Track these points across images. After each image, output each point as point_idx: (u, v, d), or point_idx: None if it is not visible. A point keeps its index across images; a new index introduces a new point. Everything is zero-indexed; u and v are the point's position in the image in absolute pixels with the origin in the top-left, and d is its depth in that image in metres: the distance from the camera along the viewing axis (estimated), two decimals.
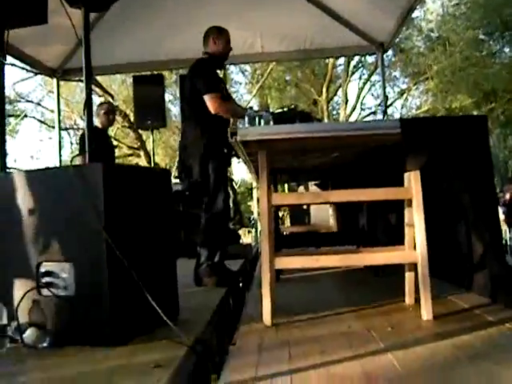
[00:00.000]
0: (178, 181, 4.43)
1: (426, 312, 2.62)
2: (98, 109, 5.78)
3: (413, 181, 2.66)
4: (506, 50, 20.50)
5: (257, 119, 3.12)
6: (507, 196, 11.61)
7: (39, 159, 22.38)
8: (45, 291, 2.41)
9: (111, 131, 21.08)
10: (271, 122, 3.01)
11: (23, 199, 2.49)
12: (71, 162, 5.88)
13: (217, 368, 2.19)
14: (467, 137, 2.72)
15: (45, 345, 2.33)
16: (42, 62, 6.33)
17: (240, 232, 11.33)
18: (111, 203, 2.37)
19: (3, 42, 3.11)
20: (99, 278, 2.33)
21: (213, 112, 3.77)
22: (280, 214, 9.89)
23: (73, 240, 2.39)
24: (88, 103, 2.85)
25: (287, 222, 10.05)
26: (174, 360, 2.01)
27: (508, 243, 10.39)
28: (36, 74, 14.88)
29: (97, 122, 5.63)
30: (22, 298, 2.42)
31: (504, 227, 10.74)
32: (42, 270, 2.42)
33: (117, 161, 19.62)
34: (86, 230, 2.36)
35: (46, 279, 2.41)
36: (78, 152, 5.98)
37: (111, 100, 18.38)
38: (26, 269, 2.45)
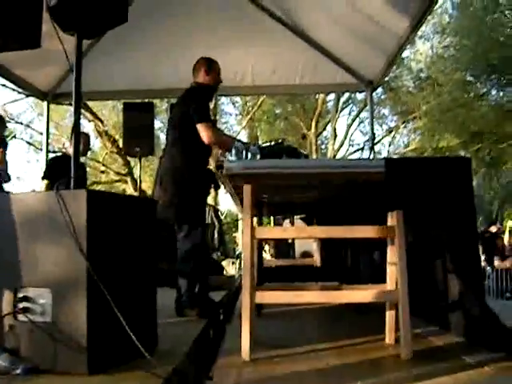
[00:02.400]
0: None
1: (406, 351, 2.61)
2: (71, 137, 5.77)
3: (396, 220, 2.68)
4: (493, 92, 20.86)
5: (244, 152, 3.13)
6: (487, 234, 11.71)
7: (25, 181, 22.29)
8: (21, 317, 2.38)
9: (100, 156, 21.12)
10: (258, 156, 3.03)
11: (4, 222, 2.47)
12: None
13: None
14: (450, 178, 2.75)
15: (18, 372, 2.28)
16: (34, 85, 6.34)
17: (224, 263, 11.29)
18: (94, 230, 2.35)
19: None
20: (77, 305, 2.30)
21: (206, 142, 3.77)
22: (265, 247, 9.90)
23: (52, 266, 2.36)
24: (76, 128, 2.86)
25: (271, 255, 10.04)
26: None
27: (488, 283, 10.41)
28: (27, 95, 14.91)
29: (70, 149, 5.63)
30: None
31: (486, 267, 10.78)
32: (20, 294, 2.39)
33: (103, 186, 19.66)
34: (66, 256, 2.33)
35: (22, 304, 2.38)
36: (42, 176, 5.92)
37: (101, 125, 18.45)
38: (3, 293, 2.41)
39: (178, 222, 3.92)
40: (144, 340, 2.36)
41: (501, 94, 20.67)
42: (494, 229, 12.60)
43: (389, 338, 3.01)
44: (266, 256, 11.25)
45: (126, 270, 2.60)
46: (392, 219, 2.72)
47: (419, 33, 16.39)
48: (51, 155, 7.38)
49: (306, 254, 7.29)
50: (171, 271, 4.27)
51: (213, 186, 4.22)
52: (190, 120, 3.82)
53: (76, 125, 2.82)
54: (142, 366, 2.30)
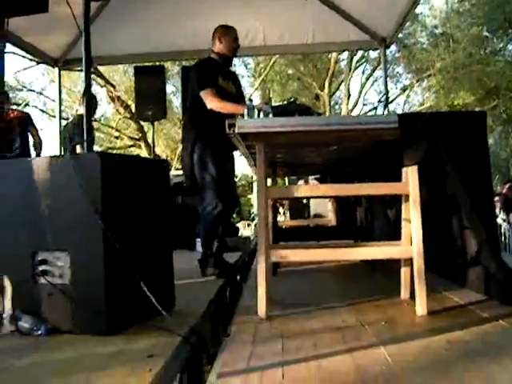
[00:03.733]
0: (177, 172, 4.46)
1: (421, 307, 2.63)
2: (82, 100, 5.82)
3: (410, 176, 2.66)
4: (510, 47, 20.48)
5: (256, 111, 3.11)
6: (504, 190, 11.61)
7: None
8: (40, 279, 2.42)
9: (113, 121, 21.13)
10: (270, 115, 3.01)
11: (20, 187, 2.50)
12: (71, 151, 5.85)
13: (210, 359, 2.20)
14: (465, 132, 2.72)
15: (40, 332, 2.34)
16: (44, 52, 6.32)
17: (239, 225, 11.35)
18: (108, 193, 2.37)
19: (3, 29, 3.11)
20: (95, 266, 2.34)
21: (208, 107, 3.84)
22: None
23: (69, 229, 2.39)
24: (87, 93, 2.86)
25: (287, 216, 10.05)
26: (168, 350, 2.02)
27: (505, 240, 10.37)
28: (38, 63, 14.88)
29: (81, 110, 5.67)
30: (18, 286, 2.43)
31: (503, 224, 10.74)
32: (38, 258, 2.43)
33: (118, 151, 19.71)
34: (82, 219, 2.36)
35: (41, 267, 2.42)
36: (69, 142, 5.94)
37: (112, 90, 18.40)
38: (22, 257, 2.45)
39: (198, 186, 3.99)
40: (161, 300, 2.40)
41: None
42: (507, 185, 12.48)
43: (404, 294, 3.03)
44: (281, 218, 11.30)
45: (142, 232, 2.63)
46: (406, 175, 2.70)
47: None
48: (64, 122, 7.38)
49: (321, 215, 7.30)
50: (187, 234, 4.33)
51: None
52: (193, 91, 3.96)
53: (87, 89, 2.82)
54: (161, 325, 2.35)
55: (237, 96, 4.13)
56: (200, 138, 3.94)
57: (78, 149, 5.67)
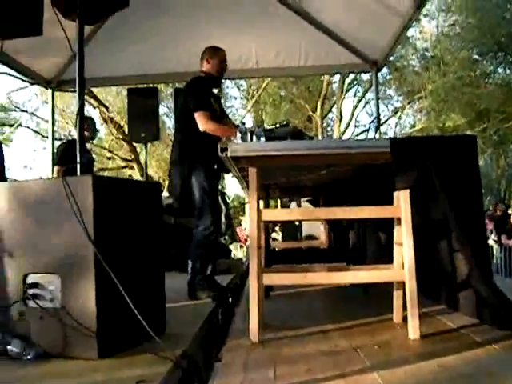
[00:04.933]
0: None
1: (413, 331, 2.62)
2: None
3: (402, 199, 2.67)
4: (500, 70, 20.72)
5: (249, 135, 3.13)
6: (498, 212, 11.67)
7: (32, 169, 22.36)
8: (31, 303, 2.40)
9: (106, 142, 21.13)
10: (263, 138, 3.02)
11: (12, 210, 2.49)
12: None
13: None
14: (456, 156, 2.74)
15: (29, 357, 2.31)
16: (38, 73, 6.34)
17: (231, 247, 11.32)
18: (100, 215, 2.37)
19: None
20: (86, 290, 2.32)
21: (201, 129, 3.85)
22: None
23: (60, 252, 2.38)
24: (80, 115, 2.86)
25: (279, 237, 10.05)
26: (158, 375, 2.00)
27: (497, 261, 10.41)
28: (31, 84, 14.90)
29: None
30: (7, 309, 2.41)
31: (495, 246, 10.77)
32: (29, 281, 2.41)
33: (110, 173, 19.68)
34: (74, 242, 2.35)
35: (32, 291, 2.40)
36: (56, 162, 5.91)
37: (105, 111, 18.43)
38: (13, 280, 2.44)
39: (189, 208, 4.00)
40: (153, 324, 2.38)
41: (507, 71, 20.53)
42: (500, 208, 12.59)
43: (396, 317, 3.03)
44: (278, 237, 11.30)
45: (134, 255, 2.62)
46: (398, 198, 2.71)
47: (424, 11, 16.27)
48: (58, 142, 7.38)
49: (314, 237, 7.29)
50: (179, 256, 4.31)
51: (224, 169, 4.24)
52: (188, 110, 3.93)
53: (80, 111, 2.83)
54: (152, 349, 2.33)
55: (220, 115, 4.15)
56: (197, 160, 3.94)
57: (55, 170, 5.68)
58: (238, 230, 13.42)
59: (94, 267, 2.31)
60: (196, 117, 3.86)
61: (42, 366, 2.25)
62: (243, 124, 3.49)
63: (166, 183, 18.44)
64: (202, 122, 3.84)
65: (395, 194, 2.78)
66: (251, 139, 3.07)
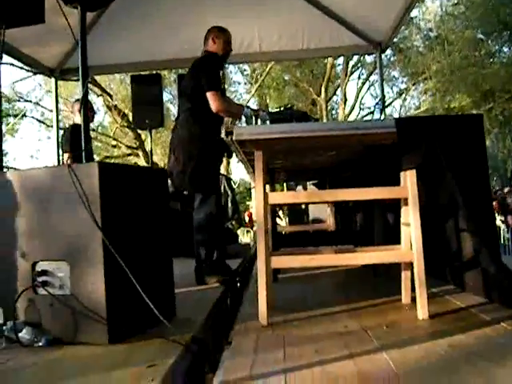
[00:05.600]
0: None
1: (422, 311, 2.62)
2: (75, 105, 5.83)
3: (409, 180, 2.66)
4: (505, 49, 20.59)
5: (254, 118, 3.12)
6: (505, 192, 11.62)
7: (38, 159, 22.44)
8: (41, 290, 2.42)
9: (110, 130, 21.15)
10: (268, 122, 3.01)
11: (19, 198, 2.50)
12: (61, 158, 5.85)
13: (212, 367, 2.19)
14: (463, 136, 2.73)
15: (41, 344, 2.33)
16: (41, 62, 6.33)
17: (238, 232, 11.35)
18: (107, 202, 2.37)
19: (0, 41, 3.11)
20: (95, 276, 2.33)
21: (214, 110, 3.74)
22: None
23: (68, 239, 2.39)
24: (85, 103, 2.85)
25: (286, 221, 10.06)
26: (169, 359, 2.02)
27: (505, 242, 10.39)
28: (35, 73, 14.90)
29: (77, 119, 5.66)
30: (18, 297, 2.42)
31: (502, 226, 10.76)
32: (38, 268, 2.43)
33: (115, 160, 19.72)
34: (82, 228, 2.36)
35: (41, 278, 2.42)
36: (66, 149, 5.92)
37: (109, 99, 18.42)
38: (22, 268, 2.45)
39: (191, 190, 3.97)
40: (162, 309, 2.40)
41: None
42: (506, 189, 12.59)
43: (405, 298, 3.03)
44: (281, 223, 11.31)
45: (141, 240, 2.63)
46: (405, 179, 2.70)
47: None
48: (62, 132, 7.38)
49: (320, 220, 7.30)
50: (187, 241, 4.31)
51: (226, 154, 4.21)
52: (200, 89, 3.81)
53: (84, 99, 2.82)
54: (162, 334, 2.34)
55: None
56: (206, 141, 3.87)
57: (65, 157, 5.69)
58: (247, 213, 13.40)
59: (102, 253, 2.31)
60: (209, 96, 3.74)
61: (53, 352, 2.26)
62: (248, 108, 3.49)
63: None
64: (216, 103, 3.72)
65: (402, 174, 2.77)
66: (256, 122, 3.06)
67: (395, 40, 12.22)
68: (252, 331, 2.57)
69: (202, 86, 3.79)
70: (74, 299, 2.36)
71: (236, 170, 20.40)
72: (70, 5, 2.80)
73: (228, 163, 18.38)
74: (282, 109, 3.22)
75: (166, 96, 19.39)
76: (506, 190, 12.77)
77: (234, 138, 2.58)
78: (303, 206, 7.95)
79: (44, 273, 2.42)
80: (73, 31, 2.82)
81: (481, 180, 2.84)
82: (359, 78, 22.95)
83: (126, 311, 2.43)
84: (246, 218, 12.88)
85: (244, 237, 12.72)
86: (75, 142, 5.15)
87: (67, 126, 7.33)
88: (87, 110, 2.85)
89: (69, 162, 5.53)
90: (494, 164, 25.19)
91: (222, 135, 3.89)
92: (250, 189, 17.85)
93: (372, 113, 21.70)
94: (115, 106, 18.78)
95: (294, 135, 2.63)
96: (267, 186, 3.80)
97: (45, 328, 2.39)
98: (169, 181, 3.66)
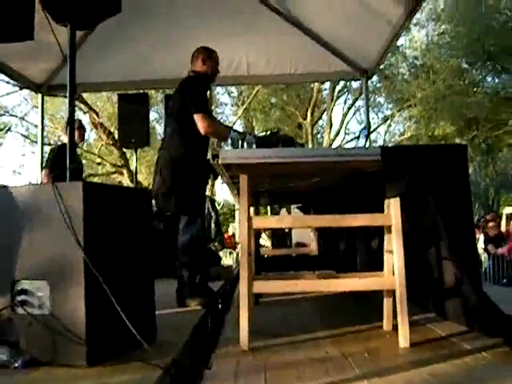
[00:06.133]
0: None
1: (403, 339, 2.62)
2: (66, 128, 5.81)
3: (392, 207, 2.68)
4: (488, 79, 20.94)
5: (240, 142, 3.13)
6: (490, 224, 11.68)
7: (21, 174, 22.26)
8: (19, 309, 2.38)
9: (95, 148, 21.07)
10: (254, 146, 3.02)
11: (0, 216, 2.47)
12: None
13: None
14: (446, 165, 2.75)
15: (17, 365, 2.29)
16: (28, 77, 6.30)
17: (221, 253, 11.30)
18: (90, 222, 2.36)
19: None
20: (75, 297, 2.31)
21: (203, 132, 3.75)
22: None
23: (49, 258, 2.36)
24: (71, 120, 2.85)
25: (267, 244, 10.06)
26: (148, 383, 1.99)
27: (485, 270, 10.44)
28: (21, 88, 14.84)
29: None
30: None
31: (483, 254, 10.82)
32: (18, 287, 2.39)
33: (99, 178, 19.63)
34: (63, 248, 2.33)
35: (20, 297, 2.38)
36: (46, 165, 5.89)
37: (96, 117, 18.39)
38: (1, 286, 2.42)
39: (177, 213, 3.95)
40: (142, 331, 2.37)
41: (496, 80, 20.75)
42: (489, 217, 12.69)
43: (386, 325, 3.02)
44: (265, 243, 11.29)
45: (123, 261, 2.61)
46: (389, 206, 2.72)
47: (414, 20, 16.34)
48: (47, 147, 7.36)
49: (303, 244, 7.29)
50: (170, 262, 4.29)
51: (212, 176, 4.22)
52: (187, 110, 3.80)
53: (71, 116, 2.82)
54: (141, 357, 2.31)
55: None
56: (193, 163, 3.86)
57: (44, 173, 5.66)
58: (225, 236, 13.42)
59: (83, 274, 2.29)
60: (196, 118, 3.74)
61: (30, 373, 2.23)
62: (234, 131, 3.50)
63: None
64: (204, 124, 3.72)
65: (386, 202, 2.78)
66: (242, 146, 3.07)
67: (381, 67, 12.37)
68: (232, 356, 2.55)
69: (189, 107, 3.79)
70: (53, 319, 2.33)
71: (221, 191, 20.35)
72: (60, 23, 2.81)
73: (213, 185, 18.36)
74: (268, 133, 3.23)
75: (152, 115, 19.39)
76: (487, 216, 12.87)
77: (219, 162, 2.59)
78: (286, 230, 7.94)
79: (23, 292, 2.39)
80: (61, 49, 2.82)
81: (463, 209, 2.86)
82: (345, 102, 23.18)
83: (105, 333, 2.40)
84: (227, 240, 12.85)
85: (227, 258, 12.66)
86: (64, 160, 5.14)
87: (56, 144, 7.31)
88: (73, 126, 2.85)
89: (45, 179, 5.50)
90: (476, 191, 25.47)
91: (208, 157, 3.89)
92: (233, 210, 17.85)
93: (358, 137, 21.85)
94: (101, 124, 18.73)
95: (279, 160, 2.64)
96: (251, 209, 3.81)
97: (22, 348, 2.35)
98: (152, 201, 3.64)
